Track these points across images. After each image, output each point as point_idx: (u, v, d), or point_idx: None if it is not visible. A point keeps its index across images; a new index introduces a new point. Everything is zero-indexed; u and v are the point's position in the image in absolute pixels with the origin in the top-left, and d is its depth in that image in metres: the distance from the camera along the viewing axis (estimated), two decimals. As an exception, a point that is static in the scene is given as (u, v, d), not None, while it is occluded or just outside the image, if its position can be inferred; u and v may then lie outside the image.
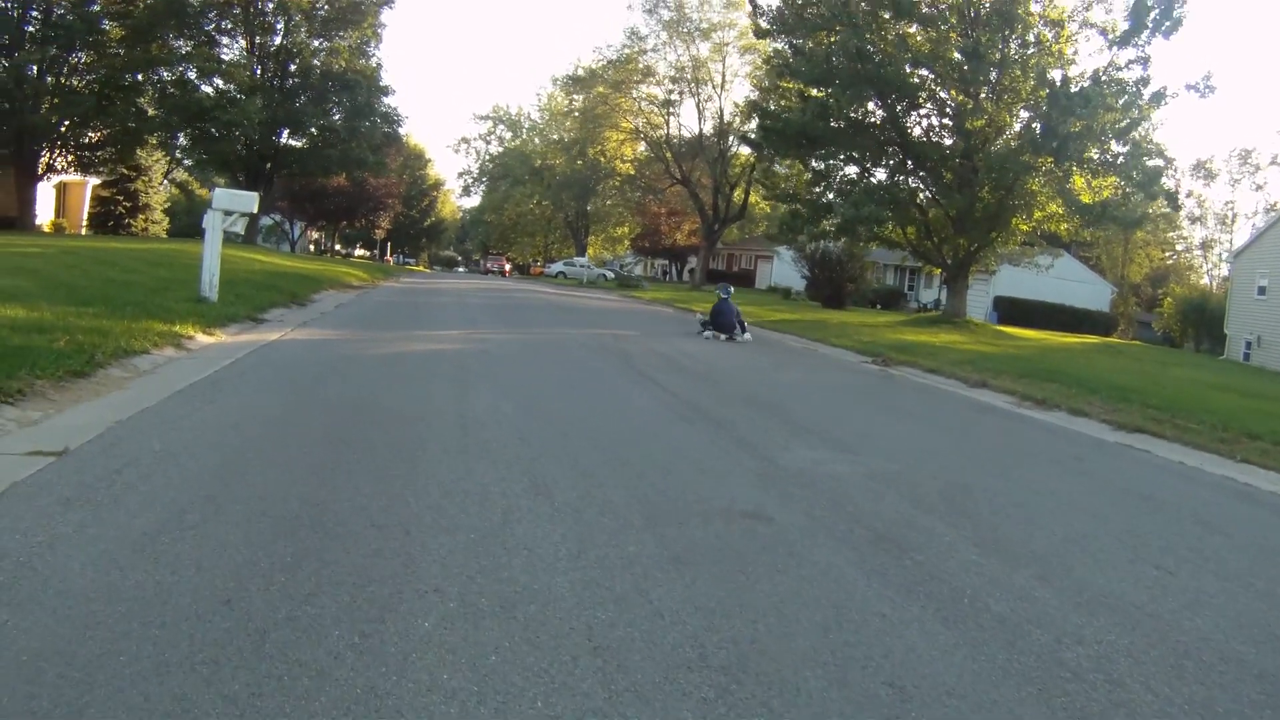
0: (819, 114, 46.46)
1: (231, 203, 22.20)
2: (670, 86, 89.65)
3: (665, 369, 18.45)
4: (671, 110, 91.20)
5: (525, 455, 9.42)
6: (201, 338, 16.22)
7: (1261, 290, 59.29)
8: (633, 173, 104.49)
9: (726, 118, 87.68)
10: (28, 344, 11.73)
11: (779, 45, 53.24)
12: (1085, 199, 43.10)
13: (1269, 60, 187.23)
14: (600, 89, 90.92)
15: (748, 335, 29.60)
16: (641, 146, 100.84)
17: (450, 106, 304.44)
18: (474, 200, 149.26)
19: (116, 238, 57.75)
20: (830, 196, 49.41)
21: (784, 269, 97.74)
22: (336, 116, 77.07)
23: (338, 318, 24.16)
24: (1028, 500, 9.69)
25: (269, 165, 75.82)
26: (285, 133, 77.01)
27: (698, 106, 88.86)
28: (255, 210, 23.12)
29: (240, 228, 23.24)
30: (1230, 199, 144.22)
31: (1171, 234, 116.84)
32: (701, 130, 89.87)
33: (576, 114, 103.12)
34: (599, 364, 18.61)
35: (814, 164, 50.88)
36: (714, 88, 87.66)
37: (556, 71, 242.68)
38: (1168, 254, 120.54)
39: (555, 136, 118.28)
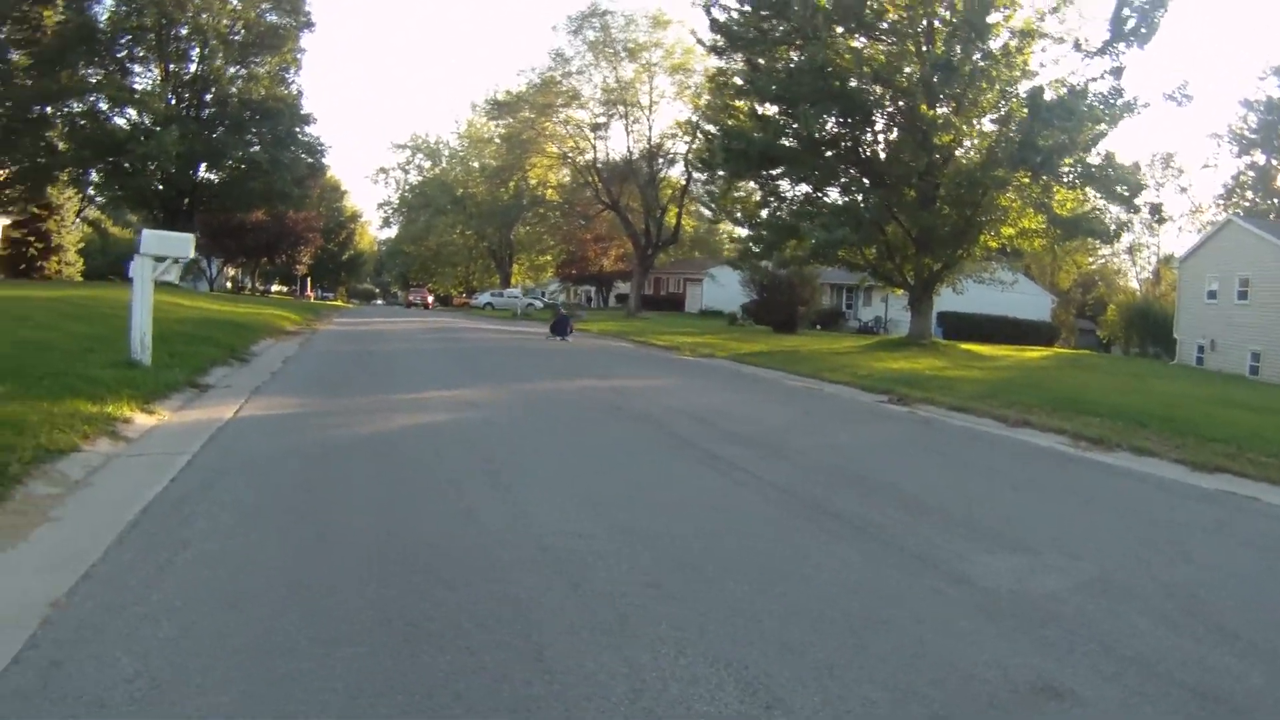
0: (780, 133, 44.95)
1: (163, 247, 19.05)
2: (598, 110, 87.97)
3: (708, 435, 15.72)
4: (599, 134, 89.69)
5: (684, 621, 6.56)
6: (140, 418, 13.44)
7: (1212, 294, 59.94)
8: (558, 199, 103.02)
9: (655, 139, 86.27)
10: None
11: (724, 64, 51.67)
12: (1061, 212, 41.80)
13: (1187, 63, 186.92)
14: (525, 113, 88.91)
15: (571, 339, 42.41)
16: (565, 173, 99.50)
17: (366, 136, 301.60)
18: (393, 231, 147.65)
19: (28, 284, 54.80)
20: (784, 218, 47.23)
21: (715, 291, 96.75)
22: (256, 148, 74.63)
23: (291, 379, 21.21)
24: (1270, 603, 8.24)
25: (187, 201, 73.10)
26: (203, 166, 74.34)
27: (626, 129, 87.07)
28: (191, 254, 19.93)
29: (174, 275, 20.43)
30: (1156, 202, 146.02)
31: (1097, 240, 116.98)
32: (631, 153, 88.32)
33: (499, 140, 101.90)
34: (628, 434, 15.87)
35: (774, 185, 49.55)
36: (642, 110, 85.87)
37: (476, 98, 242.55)
38: (1092, 259, 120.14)
39: (476, 164, 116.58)
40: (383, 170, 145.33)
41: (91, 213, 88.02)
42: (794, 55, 43.77)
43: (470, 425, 15.48)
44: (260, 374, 21.53)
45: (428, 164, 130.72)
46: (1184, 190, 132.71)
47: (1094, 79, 40.07)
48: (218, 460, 11.20)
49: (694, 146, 76.21)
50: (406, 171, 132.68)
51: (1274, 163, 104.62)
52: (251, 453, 11.90)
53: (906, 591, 7.63)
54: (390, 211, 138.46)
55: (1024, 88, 42.03)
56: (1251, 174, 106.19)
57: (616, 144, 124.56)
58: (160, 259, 19.12)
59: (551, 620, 6.46)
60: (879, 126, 46.28)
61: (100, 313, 30.40)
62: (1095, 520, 11.03)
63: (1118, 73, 39.66)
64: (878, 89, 43.14)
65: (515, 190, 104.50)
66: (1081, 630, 6.91)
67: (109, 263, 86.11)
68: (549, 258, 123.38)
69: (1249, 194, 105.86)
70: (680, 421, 17.20)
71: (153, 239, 19.11)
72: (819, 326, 73.17)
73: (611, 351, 37.88)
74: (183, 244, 19.36)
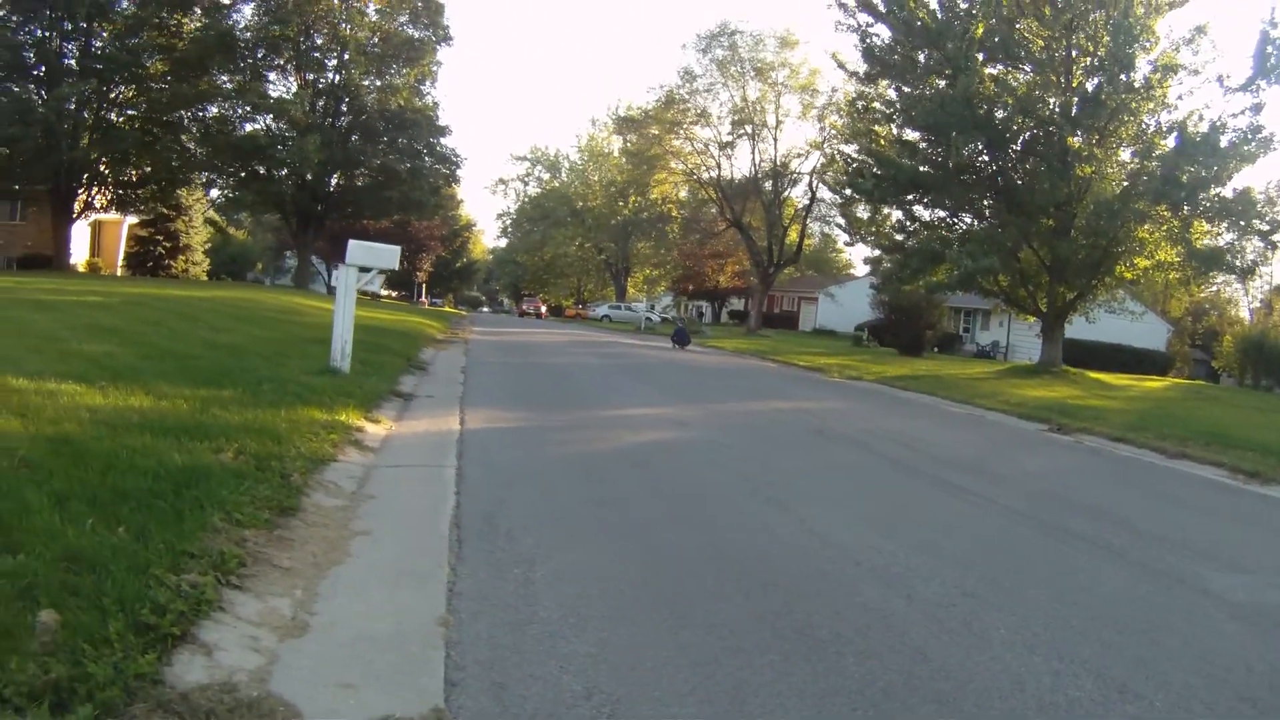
0: (927, 160, 45.35)
1: (368, 258, 19.42)
2: (726, 129, 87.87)
3: (920, 460, 16.13)
4: (727, 152, 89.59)
5: (1015, 625, 7.50)
6: (370, 428, 13.80)
7: None
8: (676, 215, 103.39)
9: (780, 158, 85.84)
10: (193, 461, 8.87)
11: (866, 89, 51.81)
12: (1198, 246, 41.58)
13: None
14: (653, 130, 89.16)
15: (691, 345, 50.93)
16: (684, 191, 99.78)
17: (481, 147, 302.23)
18: (506, 241, 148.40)
19: (168, 282, 55.86)
20: (928, 243, 47.17)
21: (831, 311, 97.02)
22: (393, 157, 75.15)
23: (487, 391, 21.51)
24: None
25: (320, 207, 73.85)
26: (336, 174, 74.99)
27: (752, 148, 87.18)
28: (395, 265, 20.24)
29: (377, 285, 20.58)
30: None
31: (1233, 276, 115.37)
32: (756, 172, 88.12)
33: (620, 155, 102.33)
34: (849, 456, 16.36)
35: (910, 210, 49.76)
36: (768, 129, 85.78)
37: (595, 112, 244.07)
38: (1203, 288, 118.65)
39: (595, 177, 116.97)
40: (502, 181, 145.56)
41: (210, 213, 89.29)
42: (940, 83, 43.78)
43: (700, 445, 15.87)
44: (449, 384, 22.03)
45: (546, 176, 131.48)
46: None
47: (1235, 114, 39.84)
48: (488, 474, 11.58)
49: (822, 166, 76.62)
50: (526, 183, 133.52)
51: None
52: (515, 467, 12.33)
53: (1168, 601, 8.63)
54: (509, 222, 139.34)
55: (1162, 119, 42.15)
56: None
57: (740, 162, 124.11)
58: (365, 269, 19.55)
59: (911, 627, 7.19)
60: (1017, 155, 46.07)
61: (262, 315, 31.04)
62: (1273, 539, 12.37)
63: (1258, 109, 39.48)
64: (1020, 118, 43.05)
65: (635, 205, 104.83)
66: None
67: (223, 262, 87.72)
68: (661, 272, 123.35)
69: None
70: (886, 446, 17.68)
71: (359, 250, 19.37)
72: (937, 349, 72.76)
73: (763, 372, 38.08)
74: (388, 255, 19.67)
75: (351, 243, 19.67)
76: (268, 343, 22.70)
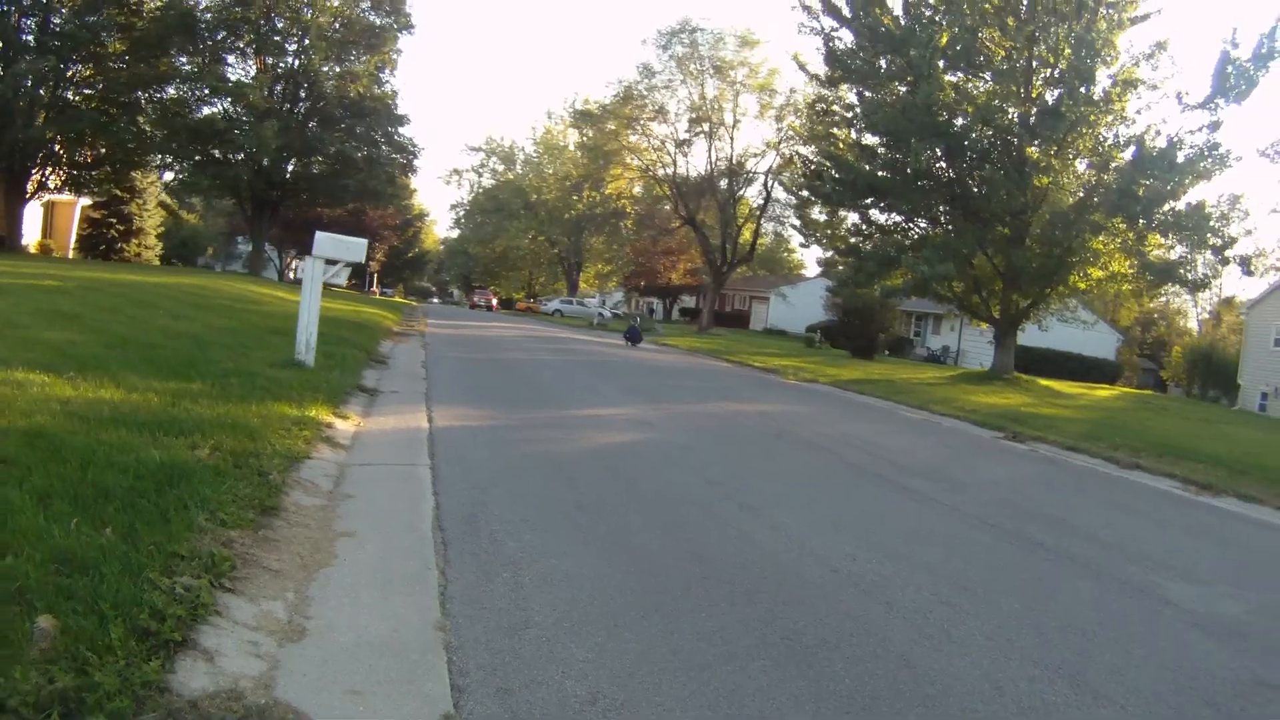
0: (886, 165, 45.54)
1: (335, 250, 19.14)
2: (684, 126, 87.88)
3: (882, 465, 16.36)
4: (683, 150, 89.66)
5: (991, 633, 7.86)
6: (339, 424, 13.72)
7: (1278, 342, 59.23)
8: (631, 211, 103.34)
9: (736, 157, 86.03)
10: (171, 458, 8.67)
11: (826, 92, 52.00)
12: (1153, 259, 42.33)
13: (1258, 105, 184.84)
14: (610, 125, 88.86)
15: (643, 343, 50.60)
16: (639, 188, 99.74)
17: (435, 136, 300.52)
18: (458, 232, 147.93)
19: (121, 266, 55.18)
20: (884, 248, 47.38)
21: (783, 311, 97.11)
22: (350, 145, 74.89)
23: (451, 388, 21.40)
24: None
25: (276, 193, 73.52)
26: (294, 160, 74.58)
27: (709, 146, 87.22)
28: (363, 259, 20.00)
29: (342, 278, 20.25)
30: (1246, 254, 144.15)
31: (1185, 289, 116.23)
32: (712, 170, 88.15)
33: (577, 149, 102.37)
34: (813, 461, 16.62)
35: (873, 214, 50.10)
36: (725, 127, 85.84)
37: (551, 105, 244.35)
38: (1153, 299, 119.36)
39: (550, 170, 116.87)
40: (456, 171, 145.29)
41: (163, 196, 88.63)
42: (901, 89, 44.00)
43: (666, 447, 15.91)
44: (412, 379, 21.99)
45: (501, 168, 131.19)
46: (1249, 233, 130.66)
47: (1192, 131, 40.19)
48: (462, 474, 11.58)
49: (778, 167, 77.00)
50: (480, 174, 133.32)
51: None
52: (488, 467, 12.32)
53: (1132, 610, 9.02)
54: (462, 213, 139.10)
55: (1120, 133, 42.65)
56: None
57: (696, 160, 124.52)
58: (332, 262, 19.33)
59: (892, 633, 7.47)
60: (975, 163, 46.15)
61: (219, 304, 30.74)
62: (1235, 557, 12.63)
63: (1215, 126, 39.76)
64: (979, 127, 43.20)
65: (589, 200, 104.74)
66: (1269, 642, 8.58)
67: (174, 246, 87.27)
68: (613, 267, 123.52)
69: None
70: (846, 450, 17.87)
71: (326, 242, 19.04)
72: (888, 353, 73.12)
73: (718, 372, 38.26)
74: (355, 248, 19.36)
75: (319, 235, 19.29)
76: (228, 332, 22.53)
